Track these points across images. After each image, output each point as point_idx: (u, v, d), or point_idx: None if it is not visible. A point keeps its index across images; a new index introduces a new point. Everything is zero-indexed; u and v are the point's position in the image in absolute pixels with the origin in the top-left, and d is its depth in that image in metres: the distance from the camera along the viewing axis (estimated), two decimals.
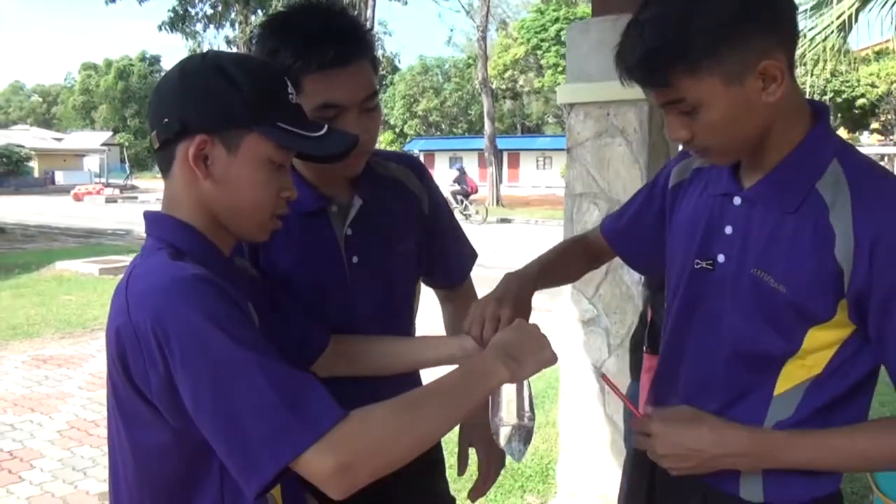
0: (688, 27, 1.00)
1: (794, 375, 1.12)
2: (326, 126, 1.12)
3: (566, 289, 3.12)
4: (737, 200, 1.18)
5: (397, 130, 47.84)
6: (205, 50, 1.44)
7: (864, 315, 1.06)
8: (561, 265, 1.50)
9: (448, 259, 1.64)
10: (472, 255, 1.70)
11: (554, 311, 3.41)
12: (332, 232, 1.44)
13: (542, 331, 1.13)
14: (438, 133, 48.51)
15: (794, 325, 1.10)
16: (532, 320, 1.20)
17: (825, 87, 23.97)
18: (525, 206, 26.05)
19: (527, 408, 1.17)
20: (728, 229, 1.17)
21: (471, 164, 41.19)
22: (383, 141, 40.01)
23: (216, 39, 25.66)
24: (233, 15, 24.75)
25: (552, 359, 1.10)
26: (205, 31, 25.36)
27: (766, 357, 1.13)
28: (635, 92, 1.13)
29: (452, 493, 1.71)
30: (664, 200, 1.37)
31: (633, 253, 1.49)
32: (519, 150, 42.73)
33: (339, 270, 1.44)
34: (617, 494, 1.49)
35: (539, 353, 1.09)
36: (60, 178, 41.51)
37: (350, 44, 1.31)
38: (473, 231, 12.85)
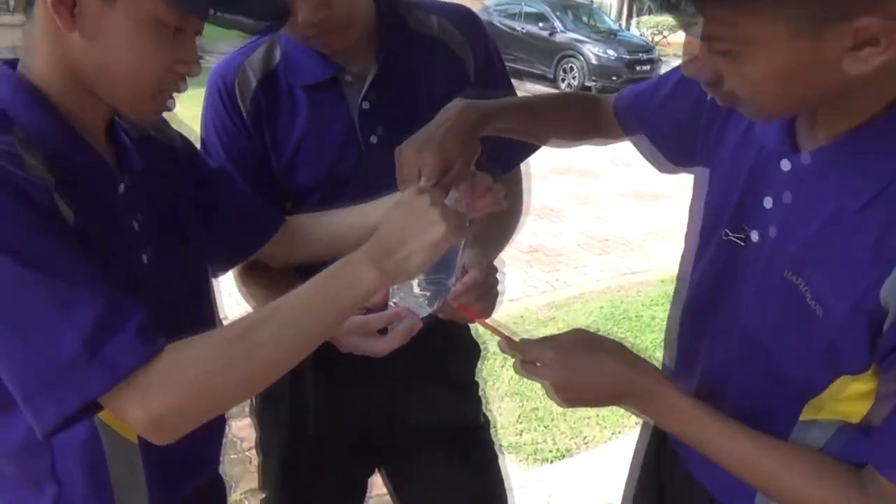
0: None
1: (821, 409, 0.86)
2: None
3: None
4: (785, 165, 0.87)
5: None
6: None
7: (884, 370, 0.78)
8: (548, 112, 1.20)
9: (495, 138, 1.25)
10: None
11: None
12: (346, 106, 1.22)
13: (437, 199, 0.85)
14: None
15: (820, 363, 0.83)
16: None
17: None
18: None
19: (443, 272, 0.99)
20: (768, 201, 0.89)
21: None
22: None
23: None
24: None
25: (442, 237, 0.83)
26: None
27: (787, 379, 0.87)
28: None
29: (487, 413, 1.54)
30: (699, 107, 1.04)
31: (656, 137, 1.15)
32: None
33: (353, 152, 1.23)
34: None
35: (422, 236, 0.83)
36: None
37: None
38: None
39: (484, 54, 1.31)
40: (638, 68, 13.47)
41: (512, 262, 4.95)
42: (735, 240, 0.93)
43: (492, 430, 1.52)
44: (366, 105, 1.21)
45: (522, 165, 1.46)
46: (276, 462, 1.41)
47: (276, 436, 1.40)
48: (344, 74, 1.22)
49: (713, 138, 1.01)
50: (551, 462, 2.89)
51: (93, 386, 0.75)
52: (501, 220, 1.32)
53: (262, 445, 1.46)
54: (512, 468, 2.81)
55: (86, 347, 0.74)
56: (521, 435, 3.04)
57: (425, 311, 1.00)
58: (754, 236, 0.91)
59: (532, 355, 0.94)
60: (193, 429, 0.80)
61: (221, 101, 1.21)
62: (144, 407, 0.76)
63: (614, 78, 13.03)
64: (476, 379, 1.49)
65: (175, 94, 0.92)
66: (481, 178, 1.01)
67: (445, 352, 1.39)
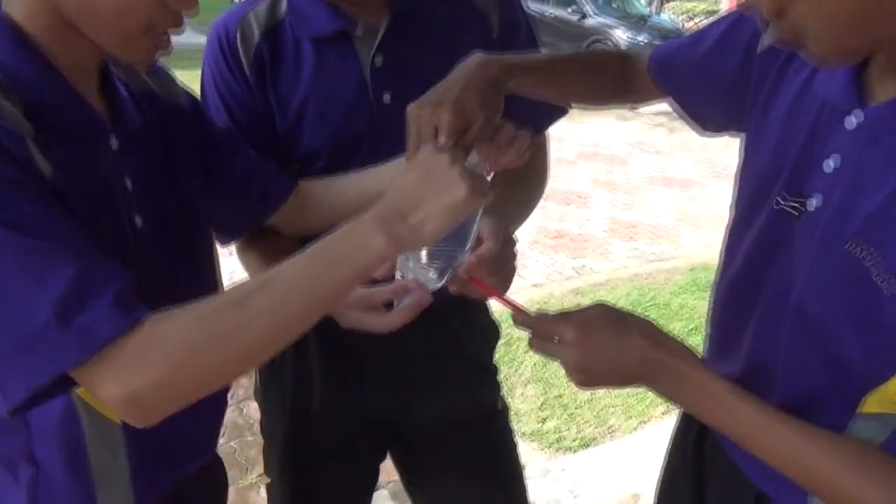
0: None
1: (885, 400, 0.75)
2: None
3: None
4: (851, 121, 0.76)
5: None
6: None
7: None
8: (576, 68, 1.07)
9: (520, 101, 1.06)
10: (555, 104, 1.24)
11: None
12: (357, 61, 1.13)
13: (458, 159, 0.75)
14: None
15: (886, 349, 0.72)
16: None
17: None
18: None
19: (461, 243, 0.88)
20: (829, 163, 0.79)
21: None
22: None
23: None
24: None
25: (462, 200, 0.72)
26: None
27: (846, 366, 0.77)
28: None
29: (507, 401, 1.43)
30: (747, 61, 0.92)
31: (687, 98, 1.06)
32: None
33: (364, 112, 1.13)
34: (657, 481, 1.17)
35: (440, 199, 0.73)
36: None
37: None
38: None
39: (509, 8, 1.21)
40: None
41: (537, 247, 4.86)
42: (788, 208, 0.82)
43: (513, 417, 1.43)
44: (378, 61, 1.12)
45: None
46: (280, 445, 1.33)
47: (280, 418, 1.32)
48: (355, 28, 1.12)
49: (764, 96, 0.90)
50: (574, 451, 2.80)
51: (63, 358, 0.66)
52: (523, 188, 1.23)
53: (265, 429, 1.38)
54: (534, 456, 2.74)
55: (57, 316, 0.66)
56: (543, 422, 2.95)
57: (434, 285, 0.90)
58: (811, 204, 0.80)
59: (550, 331, 0.84)
60: (177, 409, 0.71)
61: (222, 55, 1.12)
62: (121, 383, 0.67)
63: None
64: (494, 362, 1.40)
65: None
66: (504, 127, 0.92)
67: (461, 332, 1.30)
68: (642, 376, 0.82)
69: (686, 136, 8.61)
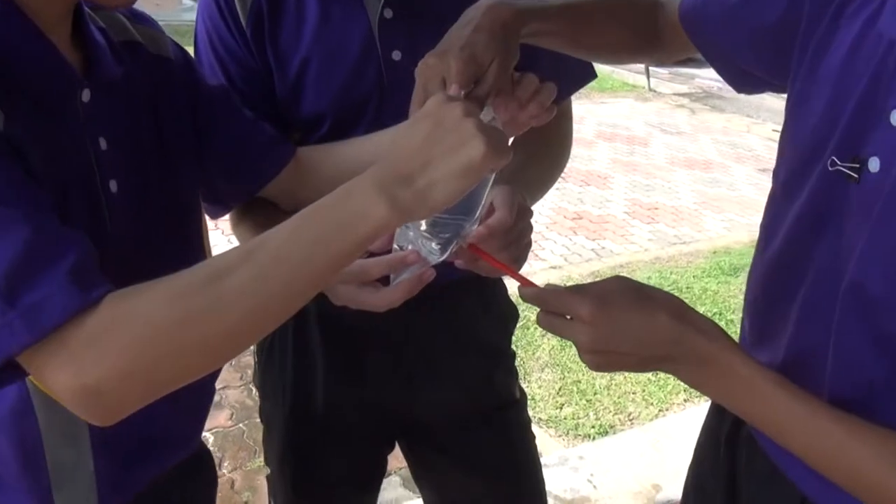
0: None
1: None
2: None
3: None
4: None
5: None
6: None
7: None
8: (597, 13, 0.96)
9: (541, 63, 0.98)
10: (582, 66, 1.13)
11: None
12: (364, 14, 1.02)
13: (472, 110, 0.63)
14: None
15: None
16: None
17: None
18: None
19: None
20: None
21: None
22: None
23: None
24: None
25: (479, 158, 0.61)
26: None
27: None
28: None
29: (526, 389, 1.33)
30: (796, 3, 0.81)
31: (722, 50, 0.92)
32: None
33: (372, 71, 1.03)
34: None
35: (453, 157, 0.61)
36: None
37: None
38: None
39: None
40: None
41: (555, 228, 4.76)
42: (845, 170, 0.72)
43: (529, 403, 1.33)
44: (388, 13, 1.01)
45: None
46: (280, 434, 1.23)
47: (280, 405, 1.22)
48: None
49: (815, 44, 0.79)
50: (592, 438, 2.71)
51: (7, 342, 0.57)
52: (544, 157, 1.13)
53: (265, 416, 1.29)
54: (551, 443, 2.65)
55: (1, 292, 0.57)
56: (560, 409, 2.86)
57: (437, 258, 0.79)
58: (873, 164, 0.69)
59: (563, 307, 0.73)
60: (143, 404, 0.61)
61: (218, 9, 1.02)
62: (75, 372, 0.57)
63: None
64: (511, 348, 1.30)
65: None
66: (525, 79, 0.81)
67: (477, 314, 1.20)
68: (665, 360, 0.72)
69: (708, 117, 8.44)
